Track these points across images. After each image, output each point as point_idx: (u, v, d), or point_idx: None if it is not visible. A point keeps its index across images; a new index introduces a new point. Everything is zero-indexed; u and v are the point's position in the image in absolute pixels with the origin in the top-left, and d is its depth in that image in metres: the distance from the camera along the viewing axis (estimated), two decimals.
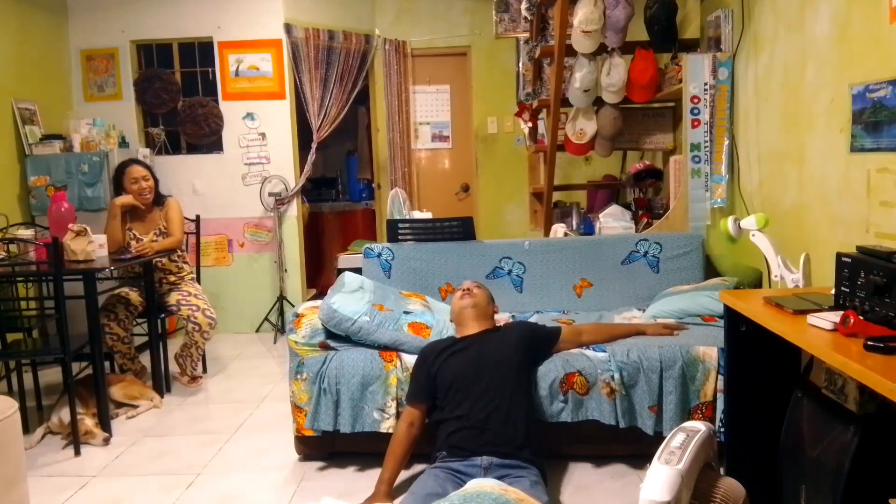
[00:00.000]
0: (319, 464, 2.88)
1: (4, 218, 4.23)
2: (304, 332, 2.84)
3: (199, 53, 5.25)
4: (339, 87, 5.39)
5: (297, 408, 2.82)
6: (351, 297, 2.90)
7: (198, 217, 4.49)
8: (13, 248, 3.52)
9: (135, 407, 3.55)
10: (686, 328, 2.84)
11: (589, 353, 2.70)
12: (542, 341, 2.71)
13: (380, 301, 2.96)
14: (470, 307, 2.73)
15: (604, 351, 2.69)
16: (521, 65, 5.28)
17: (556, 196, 4.67)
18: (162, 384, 3.83)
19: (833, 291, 1.86)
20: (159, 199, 3.94)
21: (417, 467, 2.66)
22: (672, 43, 3.84)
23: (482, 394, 2.44)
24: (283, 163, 5.25)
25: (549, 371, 2.66)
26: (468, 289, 2.81)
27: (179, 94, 5.23)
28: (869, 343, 1.48)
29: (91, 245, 3.39)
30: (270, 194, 5.23)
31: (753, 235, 2.61)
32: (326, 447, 2.89)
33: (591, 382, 2.64)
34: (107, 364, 3.66)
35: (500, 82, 5.90)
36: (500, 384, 2.45)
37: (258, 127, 5.22)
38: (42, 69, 4.85)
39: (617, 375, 2.61)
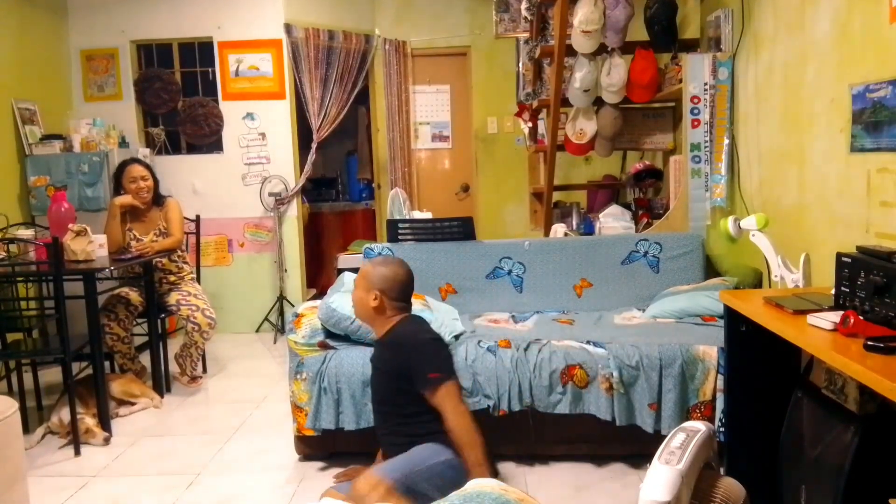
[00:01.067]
0: (319, 464, 2.88)
1: (4, 218, 4.23)
2: (303, 331, 2.84)
3: (199, 53, 5.24)
4: (339, 87, 5.39)
5: (297, 408, 2.82)
6: (350, 297, 2.89)
7: (198, 217, 4.49)
8: (13, 248, 3.52)
9: (133, 405, 3.55)
10: None
11: (589, 347, 2.71)
12: (410, 382, 2.32)
13: None
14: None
15: (603, 348, 2.69)
16: (521, 65, 5.29)
17: (556, 196, 4.67)
18: (162, 384, 3.83)
19: (833, 291, 1.86)
20: (159, 200, 3.94)
21: None
22: (672, 43, 3.84)
23: (375, 409, 2.50)
24: (283, 163, 5.25)
25: (551, 361, 2.68)
26: None
27: (179, 94, 5.23)
28: (869, 343, 1.49)
29: (91, 245, 3.39)
30: (270, 194, 5.22)
31: (753, 235, 2.61)
32: (327, 447, 2.89)
33: (590, 377, 2.65)
34: (107, 364, 3.65)
35: (500, 82, 5.90)
36: (381, 404, 2.45)
37: (258, 127, 5.22)
38: (42, 69, 4.85)
39: (616, 373, 2.61)
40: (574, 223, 4.38)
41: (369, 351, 2.75)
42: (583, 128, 4.04)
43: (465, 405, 2.30)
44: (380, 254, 3.46)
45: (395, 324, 2.42)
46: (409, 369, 2.30)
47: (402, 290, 2.43)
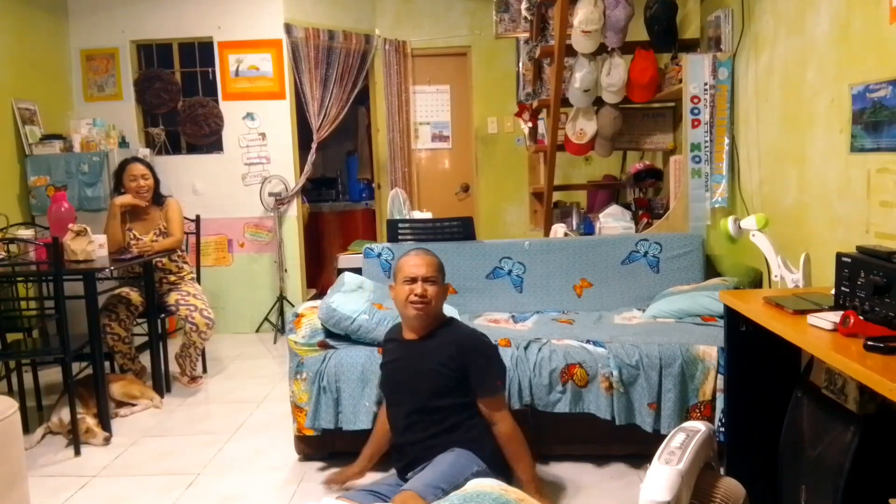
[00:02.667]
0: (319, 464, 2.88)
1: (4, 218, 4.23)
2: (303, 332, 2.84)
3: (199, 53, 5.25)
4: (339, 87, 5.39)
5: (297, 408, 2.82)
6: (350, 297, 2.90)
7: (198, 217, 4.49)
8: (13, 248, 3.52)
9: (134, 405, 3.55)
10: None
11: (589, 346, 2.71)
12: (465, 385, 2.29)
13: (379, 300, 2.96)
14: (421, 318, 2.31)
15: (603, 347, 2.69)
16: (521, 65, 5.29)
17: (556, 196, 4.67)
18: (162, 384, 3.83)
19: (833, 291, 1.86)
20: (159, 199, 3.94)
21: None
22: (672, 43, 3.84)
23: (405, 418, 2.32)
24: (283, 163, 5.25)
25: (550, 360, 2.68)
26: (421, 294, 2.28)
27: (179, 94, 5.23)
28: (869, 343, 1.48)
29: (91, 245, 3.39)
30: (270, 194, 5.22)
31: (753, 235, 2.61)
32: (326, 447, 2.89)
33: (590, 375, 2.65)
34: (107, 364, 3.65)
35: (500, 82, 5.90)
36: (421, 412, 2.27)
37: (258, 127, 5.22)
38: (42, 69, 4.85)
39: (616, 372, 2.61)
40: (574, 223, 4.38)
41: (369, 351, 2.76)
42: (583, 128, 4.04)
43: None
44: (380, 254, 3.46)
45: (444, 321, 2.37)
46: (470, 371, 2.24)
47: None
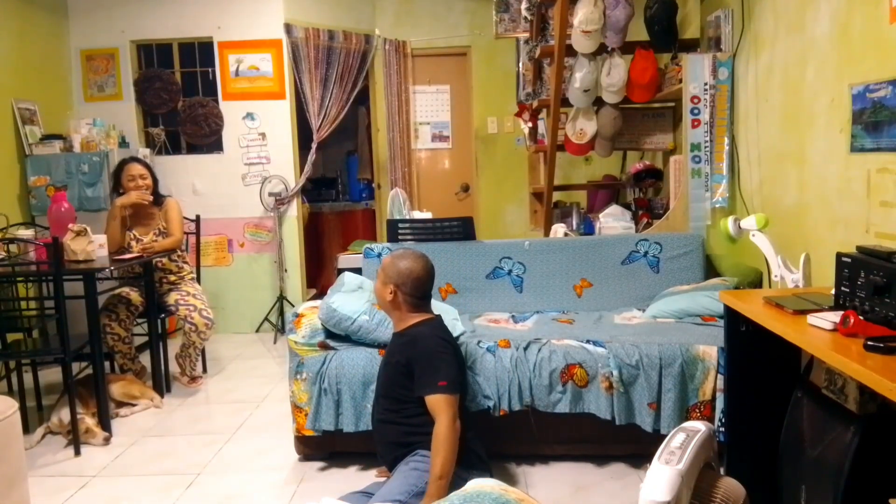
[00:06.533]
0: (319, 464, 2.88)
1: (4, 218, 4.23)
2: (303, 332, 2.84)
3: (199, 53, 5.24)
4: (339, 87, 5.39)
5: (297, 408, 2.82)
6: (350, 297, 2.90)
7: (198, 217, 4.49)
8: (13, 248, 3.52)
9: (134, 405, 3.55)
10: None
11: (589, 346, 2.71)
12: (413, 381, 2.32)
13: None
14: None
15: (603, 347, 2.69)
16: (521, 65, 5.29)
17: (556, 196, 4.67)
18: (162, 384, 3.83)
19: (833, 291, 1.86)
20: (158, 199, 3.94)
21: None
22: (672, 43, 3.84)
23: (377, 394, 2.50)
24: (283, 163, 5.25)
25: (550, 360, 2.68)
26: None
27: (179, 94, 5.23)
28: (869, 343, 1.49)
29: (91, 245, 3.39)
30: (270, 194, 5.22)
31: (753, 235, 2.61)
32: (326, 447, 2.89)
33: (590, 375, 2.65)
34: (107, 364, 3.65)
35: (500, 82, 5.90)
36: (383, 391, 2.44)
37: (258, 127, 5.22)
38: (42, 69, 4.85)
39: (616, 372, 2.62)
40: (574, 223, 4.38)
41: (370, 352, 2.77)
42: (583, 128, 4.04)
43: (459, 423, 2.22)
44: (380, 254, 3.46)
45: (415, 322, 2.42)
46: (416, 369, 2.28)
47: (417, 286, 2.42)
